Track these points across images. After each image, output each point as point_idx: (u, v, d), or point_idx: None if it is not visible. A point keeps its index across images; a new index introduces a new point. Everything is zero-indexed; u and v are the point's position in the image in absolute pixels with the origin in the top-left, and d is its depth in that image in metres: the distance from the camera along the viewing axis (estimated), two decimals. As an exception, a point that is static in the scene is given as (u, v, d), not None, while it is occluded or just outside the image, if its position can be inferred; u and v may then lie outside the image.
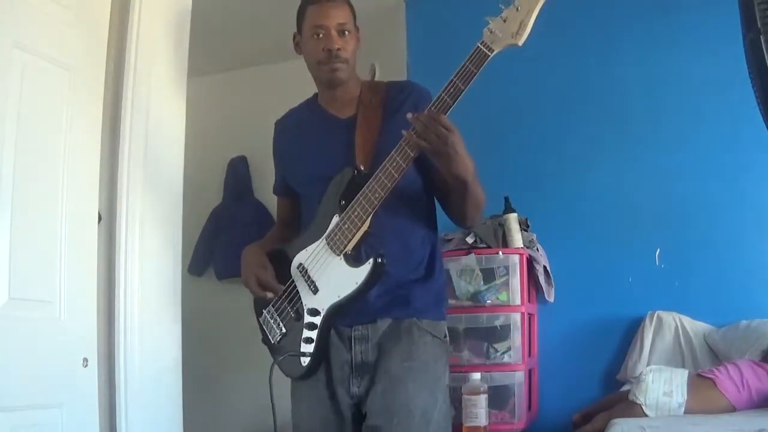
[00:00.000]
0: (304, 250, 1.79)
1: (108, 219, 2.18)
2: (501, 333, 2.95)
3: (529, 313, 3.12)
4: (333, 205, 1.73)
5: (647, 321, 3.09)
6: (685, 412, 2.45)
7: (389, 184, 1.64)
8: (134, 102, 2.23)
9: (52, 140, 1.98)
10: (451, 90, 1.59)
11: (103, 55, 2.17)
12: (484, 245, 3.07)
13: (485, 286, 2.99)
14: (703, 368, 2.75)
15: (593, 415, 2.67)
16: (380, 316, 1.76)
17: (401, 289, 1.76)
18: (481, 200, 1.75)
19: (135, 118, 2.23)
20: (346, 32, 1.82)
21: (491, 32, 1.57)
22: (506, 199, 3.14)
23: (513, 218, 3.10)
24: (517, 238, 3.08)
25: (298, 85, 4.68)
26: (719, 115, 3.15)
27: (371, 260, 1.67)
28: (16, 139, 1.85)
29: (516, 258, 3.00)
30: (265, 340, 1.93)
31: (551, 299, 3.28)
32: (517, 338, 2.94)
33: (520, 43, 1.55)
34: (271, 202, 4.41)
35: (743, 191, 3.10)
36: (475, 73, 1.57)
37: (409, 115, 1.60)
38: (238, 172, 4.45)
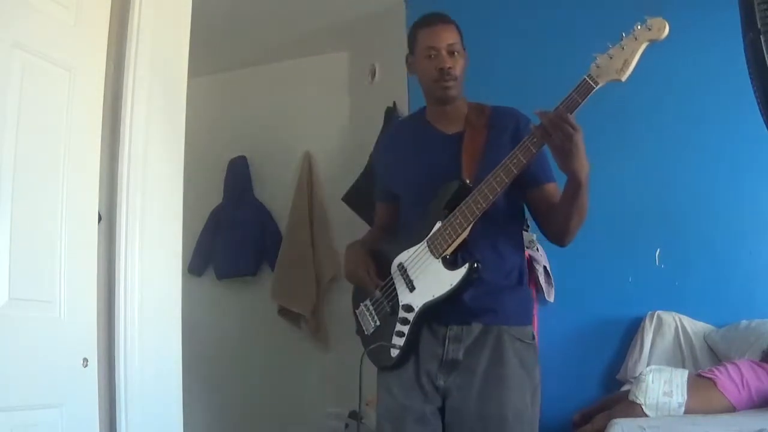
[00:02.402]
0: (405, 251, 1.92)
1: (108, 219, 2.18)
2: (501, 333, 2.95)
3: (529, 313, 3.12)
4: (438, 212, 1.87)
5: (647, 321, 3.09)
6: (685, 412, 2.45)
7: (491, 197, 1.77)
8: (134, 102, 2.22)
9: (52, 140, 1.98)
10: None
11: (103, 55, 2.17)
12: (484, 245, 3.06)
13: (485, 286, 2.98)
14: (703, 368, 2.76)
15: (593, 415, 2.68)
16: (474, 319, 1.87)
17: (493, 295, 1.88)
18: (585, 213, 1.89)
19: (135, 118, 2.22)
20: (456, 52, 1.93)
21: (597, 67, 1.72)
22: (506, 199, 3.14)
23: (513, 218, 3.10)
24: (517, 238, 3.07)
25: (298, 85, 4.71)
26: (719, 115, 3.15)
27: (467, 265, 1.80)
28: (16, 139, 1.84)
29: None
30: (359, 331, 2.04)
31: (551, 299, 3.27)
32: (517, 338, 2.94)
33: (623, 78, 1.70)
34: (270, 202, 4.43)
35: (743, 191, 3.10)
36: (580, 103, 1.73)
37: (537, 111, 1.73)
38: (238, 172, 4.45)
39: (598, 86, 1.71)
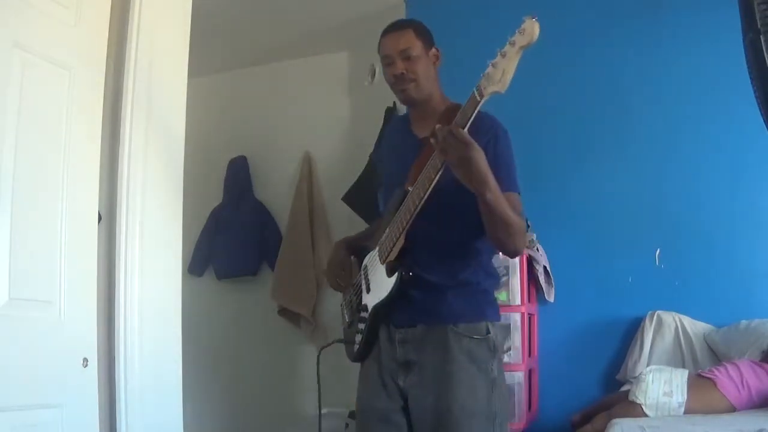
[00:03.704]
0: (369, 254, 2.01)
1: (108, 219, 2.18)
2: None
3: (529, 313, 3.12)
4: (388, 217, 1.93)
5: (647, 321, 3.09)
6: (685, 412, 2.45)
7: (413, 209, 1.81)
8: (134, 102, 2.22)
9: (52, 140, 1.98)
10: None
11: (103, 55, 2.17)
12: (484, 245, 3.06)
13: (485, 286, 2.99)
14: (703, 368, 2.76)
15: (593, 415, 2.67)
16: (420, 321, 1.91)
17: (437, 296, 1.91)
18: (513, 224, 1.80)
19: (135, 118, 2.22)
20: (411, 56, 1.95)
21: (483, 76, 1.65)
22: (506, 199, 3.14)
23: (513, 218, 3.09)
24: (517, 238, 3.07)
25: (298, 85, 4.71)
26: (720, 115, 3.15)
27: (397, 274, 1.86)
28: (16, 139, 1.84)
29: (516, 258, 3.00)
30: (342, 323, 2.17)
31: (551, 299, 3.28)
32: (517, 338, 2.94)
33: (503, 90, 1.61)
34: (270, 202, 4.43)
35: (743, 191, 3.10)
36: (470, 117, 1.68)
37: (437, 127, 1.70)
38: (238, 172, 4.45)
39: (483, 99, 1.65)
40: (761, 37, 1.43)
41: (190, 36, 2.46)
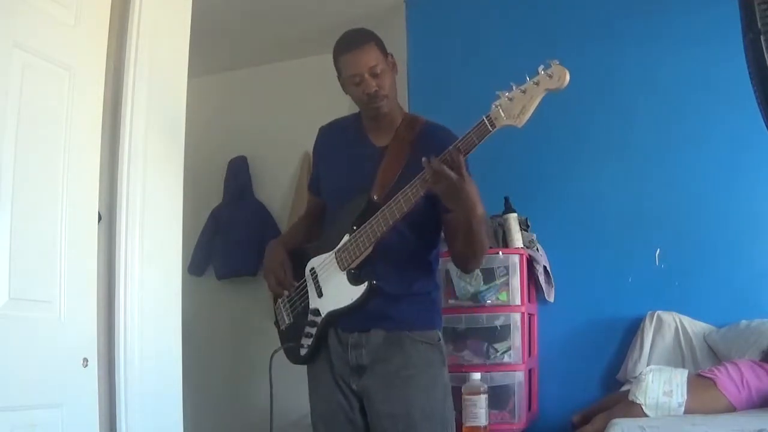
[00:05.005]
0: (317, 257, 1.98)
1: (108, 219, 2.18)
2: (501, 333, 2.95)
3: (529, 313, 3.12)
4: (346, 225, 1.91)
5: (647, 321, 3.09)
6: (685, 412, 2.45)
7: (391, 221, 1.81)
8: (134, 102, 2.22)
9: (52, 140, 1.97)
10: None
11: (103, 55, 2.16)
12: (484, 245, 3.06)
13: (485, 286, 2.99)
14: (703, 368, 2.76)
15: (593, 415, 2.67)
16: (374, 326, 1.93)
17: (392, 303, 1.92)
18: (484, 246, 1.88)
19: (135, 117, 2.22)
20: (380, 72, 1.95)
21: (497, 107, 1.64)
22: (506, 199, 3.14)
23: (513, 218, 3.10)
24: (517, 238, 3.08)
25: (298, 85, 4.71)
26: (719, 116, 3.15)
27: (367, 283, 1.86)
28: (16, 139, 1.84)
29: (516, 258, 3.01)
30: (276, 324, 2.13)
31: (551, 299, 3.28)
32: (517, 338, 2.94)
33: (521, 125, 1.62)
34: (270, 202, 4.43)
35: (743, 191, 3.10)
36: (477, 144, 1.67)
37: (424, 160, 1.70)
38: (238, 172, 4.45)
39: (495, 129, 1.65)
40: (761, 37, 1.43)
41: (190, 36, 2.46)
